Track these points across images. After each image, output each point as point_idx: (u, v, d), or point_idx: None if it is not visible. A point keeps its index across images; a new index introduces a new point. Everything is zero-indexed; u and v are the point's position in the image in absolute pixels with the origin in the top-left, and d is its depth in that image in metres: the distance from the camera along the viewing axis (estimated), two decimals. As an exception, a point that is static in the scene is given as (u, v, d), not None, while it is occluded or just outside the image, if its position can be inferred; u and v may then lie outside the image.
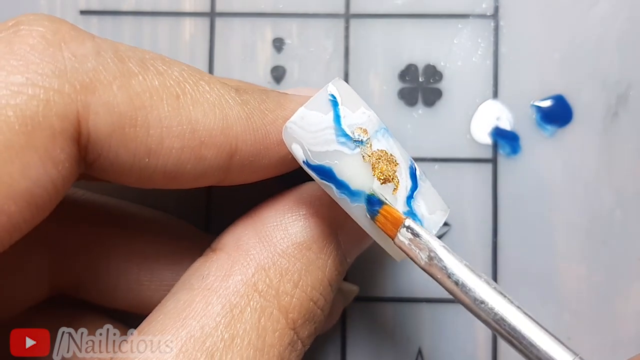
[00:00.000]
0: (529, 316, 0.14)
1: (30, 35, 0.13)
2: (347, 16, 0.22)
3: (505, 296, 0.14)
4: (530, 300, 0.21)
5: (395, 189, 0.14)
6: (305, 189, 0.16)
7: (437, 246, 0.14)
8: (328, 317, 0.20)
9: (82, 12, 0.22)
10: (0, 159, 0.12)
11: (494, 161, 0.21)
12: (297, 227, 0.15)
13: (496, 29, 0.22)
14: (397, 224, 0.14)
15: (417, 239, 0.14)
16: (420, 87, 0.22)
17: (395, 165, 0.14)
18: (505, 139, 0.21)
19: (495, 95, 0.21)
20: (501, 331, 0.14)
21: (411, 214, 0.14)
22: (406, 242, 0.14)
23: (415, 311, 0.21)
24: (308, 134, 0.14)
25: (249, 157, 0.15)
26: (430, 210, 0.15)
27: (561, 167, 0.21)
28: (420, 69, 0.22)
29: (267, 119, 0.15)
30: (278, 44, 0.22)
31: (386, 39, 0.22)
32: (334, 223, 0.16)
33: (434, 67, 0.22)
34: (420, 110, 0.21)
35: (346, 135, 0.14)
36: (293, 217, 0.15)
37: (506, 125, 0.21)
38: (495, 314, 0.14)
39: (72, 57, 0.13)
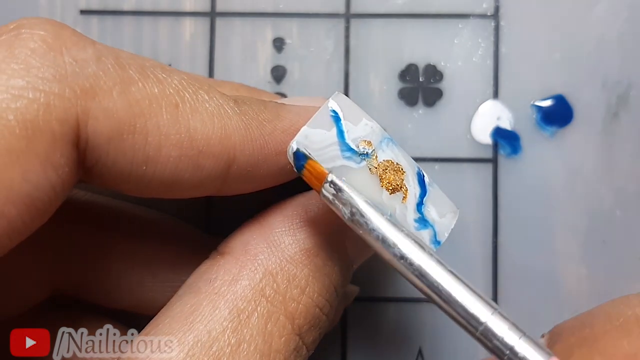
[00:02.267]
0: (450, 271, 0.13)
1: (32, 39, 0.13)
2: (348, 16, 0.22)
3: (425, 251, 0.14)
4: (530, 300, 0.21)
5: (404, 198, 0.14)
6: (314, 194, 0.16)
7: (360, 201, 0.14)
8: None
9: (82, 12, 0.22)
10: (1, 163, 0.11)
11: (494, 161, 0.21)
12: (305, 232, 0.15)
13: (497, 29, 0.22)
14: (321, 178, 0.14)
15: (340, 194, 0.14)
16: (421, 87, 0.22)
17: (403, 174, 0.14)
18: (505, 139, 0.21)
19: (495, 95, 0.21)
20: (422, 286, 0.13)
21: (422, 220, 0.15)
22: (330, 197, 0.14)
23: (415, 311, 0.21)
24: (313, 152, 0.14)
25: (247, 167, 0.15)
26: (441, 214, 0.15)
27: (561, 167, 0.21)
28: (420, 69, 0.22)
29: (265, 129, 0.15)
30: (278, 44, 0.22)
31: (386, 39, 0.22)
32: (341, 230, 0.16)
33: (434, 67, 0.22)
34: (420, 110, 0.21)
35: (351, 150, 0.14)
36: (302, 223, 0.15)
37: (506, 125, 0.21)
38: (415, 268, 0.13)
39: (73, 62, 0.13)
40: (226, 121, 0.14)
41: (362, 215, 0.14)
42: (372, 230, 0.14)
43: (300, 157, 0.14)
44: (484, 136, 0.21)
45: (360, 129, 0.14)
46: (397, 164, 0.14)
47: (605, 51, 0.21)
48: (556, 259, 0.21)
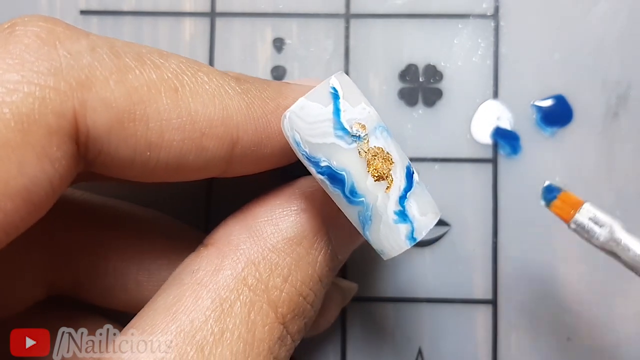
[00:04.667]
0: None
1: (25, 35, 0.13)
2: (348, 16, 0.22)
3: None
4: (530, 300, 0.21)
5: (388, 187, 0.14)
6: (298, 185, 0.16)
7: (616, 224, 0.16)
8: (326, 316, 0.20)
9: (82, 12, 0.22)
10: None
11: (494, 161, 0.21)
12: (287, 222, 0.15)
13: (496, 29, 0.22)
14: (577, 206, 0.17)
15: (597, 216, 0.16)
16: (421, 87, 0.22)
17: (391, 164, 0.14)
18: (505, 139, 0.21)
19: (495, 95, 0.21)
20: None
21: (402, 213, 0.14)
22: (585, 221, 0.16)
23: (415, 311, 0.21)
24: (306, 124, 0.14)
25: (251, 147, 0.15)
26: (422, 212, 0.15)
27: (561, 167, 0.21)
28: (420, 69, 0.22)
29: (268, 107, 0.15)
30: (278, 44, 0.22)
31: (386, 39, 0.22)
32: (325, 219, 0.16)
33: (434, 67, 0.22)
34: (420, 110, 0.21)
35: (344, 129, 0.14)
36: (284, 213, 0.15)
37: (506, 125, 0.21)
38: None
39: (67, 55, 0.13)
40: (227, 101, 0.14)
41: (618, 236, 0.16)
42: (628, 249, 0.16)
43: (554, 189, 0.17)
44: (484, 136, 0.21)
45: (358, 111, 0.14)
46: (387, 152, 0.14)
47: (605, 51, 0.21)
48: (556, 259, 0.21)
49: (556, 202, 0.17)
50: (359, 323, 0.21)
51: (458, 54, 0.22)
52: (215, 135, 0.14)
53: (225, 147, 0.14)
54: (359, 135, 0.14)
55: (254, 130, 0.15)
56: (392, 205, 0.14)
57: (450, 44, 0.22)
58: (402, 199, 0.14)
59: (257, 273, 0.15)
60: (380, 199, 0.14)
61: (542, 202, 0.17)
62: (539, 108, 0.21)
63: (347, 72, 0.22)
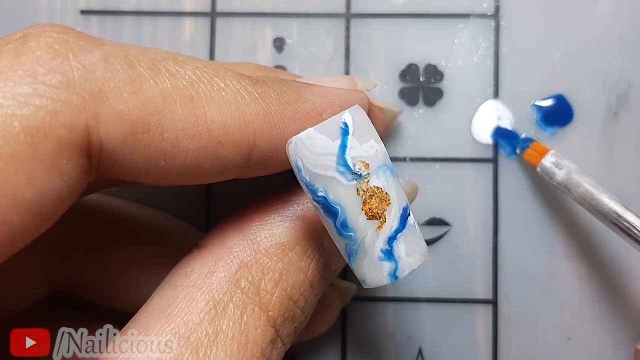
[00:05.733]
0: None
1: (38, 46, 0.12)
2: (348, 16, 0.22)
3: (620, 203, 0.19)
4: (530, 300, 0.21)
5: (379, 227, 0.14)
6: (296, 192, 0.16)
7: (573, 166, 0.19)
8: (325, 318, 0.20)
9: (82, 12, 0.22)
10: (5, 169, 0.11)
11: (494, 161, 0.21)
12: (282, 228, 0.15)
13: (497, 28, 0.22)
14: (544, 152, 0.20)
15: (559, 160, 0.19)
16: (421, 86, 0.22)
17: (387, 205, 0.14)
18: (506, 139, 0.21)
19: (496, 95, 0.21)
20: (620, 225, 0.18)
21: (388, 252, 0.14)
22: (549, 165, 0.19)
23: (415, 311, 0.21)
24: (310, 154, 0.14)
25: (267, 153, 0.15)
26: (409, 252, 0.14)
27: (561, 167, 0.21)
28: (421, 69, 0.22)
29: (286, 112, 0.15)
30: (278, 44, 0.22)
31: (387, 39, 0.22)
32: (320, 228, 0.16)
33: (434, 66, 0.22)
34: (421, 110, 0.21)
35: (346, 166, 0.14)
36: (279, 218, 0.15)
37: (507, 125, 0.21)
38: (611, 211, 0.18)
39: (80, 67, 0.13)
40: (244, 108, 0.14)
41: (573, 176, 0.19)
42: (579, 186, 0.19)
43: (528, 140, 0.20)
44: (485, 136, 0.21)
45: (364, 149, 0.14)
46: (385, 193, 0.14)
47: (605, 51, 0.21)
48: (556, 259, 0.21)
49: (528, 151, 0.20)
50: (359, 323, 0.21)
51: (458, 53, 0.22)
52: (232, 142, 0.14)
53: (242, 154, 0.14)
54: (360, 174, 0.14)
55: (271, 136, 0.14)
56: (380, 244, 0.14)
57: (450, 43, 0.22)
58: (392, 239, 0.14)
59: (250, 276, 0.15)
60: (369, 236, 0.14)
61: (518, 151, 0.21)
62: (540, 108, 0.21)
63: (347, 72, 0.22)
